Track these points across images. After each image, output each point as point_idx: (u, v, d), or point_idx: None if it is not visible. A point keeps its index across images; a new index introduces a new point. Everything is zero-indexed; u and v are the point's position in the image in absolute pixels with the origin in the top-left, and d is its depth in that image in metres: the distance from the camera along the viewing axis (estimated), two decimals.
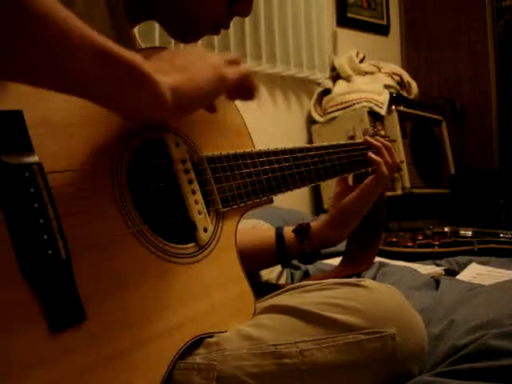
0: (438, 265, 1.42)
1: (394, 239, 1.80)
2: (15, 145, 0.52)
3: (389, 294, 0.73)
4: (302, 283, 0.79)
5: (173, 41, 1.95)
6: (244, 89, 0.69)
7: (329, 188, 2.46)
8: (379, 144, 1.03)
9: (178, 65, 0.59)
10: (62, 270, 0.53)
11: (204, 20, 0.79)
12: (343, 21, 2.95)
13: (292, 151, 0.88)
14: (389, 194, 2.30)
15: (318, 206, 2.64)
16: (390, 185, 2.32)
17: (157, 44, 1.90)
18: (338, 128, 2.46)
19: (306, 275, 1.25)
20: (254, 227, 1.15)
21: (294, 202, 2.34)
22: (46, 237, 0.52)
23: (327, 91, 2.67)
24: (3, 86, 0.53)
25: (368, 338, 0.65)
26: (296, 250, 0.98)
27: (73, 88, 0.49)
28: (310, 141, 2.63)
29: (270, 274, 1.10)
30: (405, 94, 2.72)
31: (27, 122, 0.54)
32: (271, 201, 0.84)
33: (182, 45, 0.84)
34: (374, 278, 1.14)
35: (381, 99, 2.49)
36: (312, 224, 1.00)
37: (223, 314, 0.69)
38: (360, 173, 1.01)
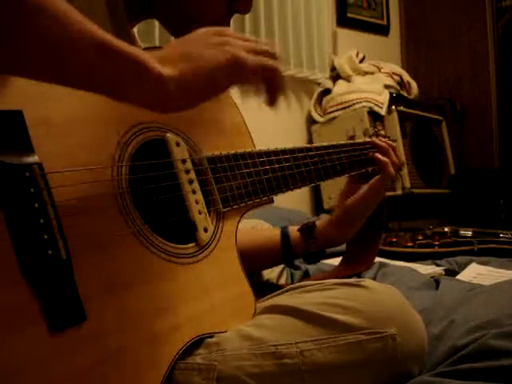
0: (437, 265, 1.42)
1: (394, 239, 1.80)
2: (15, 145, 0.52)
3: (389, 294, 0.73)
4: (302, 283, 0.79)
5: (173, 39, 1.95)
6: (267, 86, 0.63)
7: (329, 188, 2.46)
8: (385, 144, 1.03)
9: (187, 52, 0.56)
10: (62, 270, 0.53)
11: (204, 19, 0.79)
12: (343, 21, 2.95)
13: (292, 151, 0.88)
14: (389, 194, 2.29)
15: (318, 206, 2.64)
16: (390, 185, 2.32)
17: (157, 43, 1.90)
18: (338, 128, 2.46)
19: (306, 275, 1.25)
20: (255, 227, 1.15)
21: (294, 202, 2.34)
22: (46, 237, 0.52)
23: (327, 91, 2.67)
24: (3, 85, 0.53)
25: (368, 338, 0.65)
26: (301, 249, 0.98)
27: (75, 82, 0.49)
28: (310, 141, 2.63)
29: (270, 273, 1.10)
30: (405, 93, 2.72)
31: (27, 121, 0.54)
32: (271, 201, 0.84)
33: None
34: (374, 278, 1.14)
35: (381, 99, 2.49)
36: (317, 223, 1.00)
37: (223, 314, 0.69)
38: (360, 173, 1.01)
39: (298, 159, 0.89)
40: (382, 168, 1.00)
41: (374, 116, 2.45)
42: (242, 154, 0.79)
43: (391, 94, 2.56)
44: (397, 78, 2.70)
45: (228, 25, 0.82)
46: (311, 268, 1.29)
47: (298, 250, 0.98)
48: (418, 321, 0.72)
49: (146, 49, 0.72)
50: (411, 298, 0.81)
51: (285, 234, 0.99)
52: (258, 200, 0.81)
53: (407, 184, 2.42)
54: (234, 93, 0.74)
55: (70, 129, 0.58)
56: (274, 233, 1.00)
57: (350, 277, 1.02)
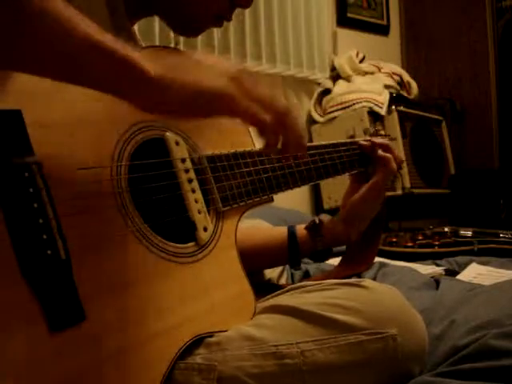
0: (438, 265, 1.42)
1: (394, 239, 1.80)
2: (14, 144, 0.52)
3: (389, 295, 0.73)
4: (303, 283, 0.79)
5: (172, 39, 1.95)
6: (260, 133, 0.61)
7: (329, 188, 2.46)
8: (385, 141, 1.03)
9: (188, 65, 0.57)
10: (61, 270, 0.53)
11: (207, 12, 0.78)
12: (343, 21, 2.95)
13: None
14: (389, 194, 2.29)
15: (317, 206, 2.63)
16: (389, 185, 2.32)
17: (157, 42, 1.90)
18: (338, 128, 2.45)
19: (306, 275, 1.25)
20: (255, 226, 1.15)
21: (294, 201, 2.33)
22: (45, 237, 0.52)
23: (327, 91, 2.67)
24: (2, 85, 0.53)
25: (369, 338, 0.65)
26: (308, 247, 0.98)
27: (72, 79, 0.51)
28: (310, 141, 2.63)
29: (271, 273, 1.10)
30: (405, 94, 2.72)
31: (26, 121, 0.54)
32: (271, 199, 0.84)
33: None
34: (374, 279, 1.14)
35: (381, 99, 2.49)
36: (324, 221, 1.00)
37: (223, 314, 0.69)
38: (360, 171, 1.01)
39: (298, 158, 0.88)
40: (385, 164, 0.99)
41: (374, 116, 2.44)
42: (242, 153, 0.79)
43: (391, 94, 2.56)
44: (397, 78, 2.70)
45: (231, 18, 0.81)
46: (311, 268, 1.29)
47: (305, 248, 0.98)
48: (419, 321, 0.72)
49: (147, 47, 0.72)
50: (411, 298, 0.81)
51: (292, 232, 0.99)
52: (258, 199, 0.81)
53: (407, 184, 2.42)
54: None
55: (69, 128, 0.58)
56: (280, 231, 1.00)
57: (350, 277, 1.02)
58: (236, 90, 0.57)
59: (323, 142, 0.96)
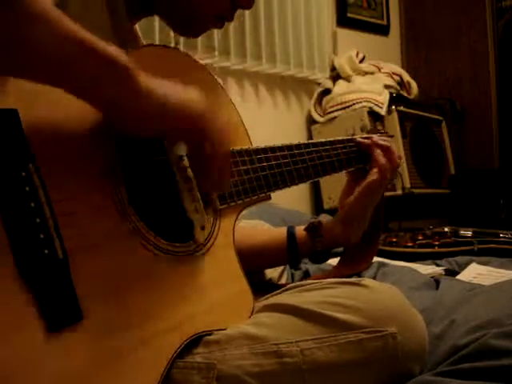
0: (438, 265, 1.42)
1: (394, 239, 1.80)
2: (11, 144, 0.52)
3: (389, 294, 0.73)
4: (303, 282, 0.79)
5: (173, 38, 1.95)
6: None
7: (329, 188, 2.46)
8: (386, 143, 1.01)
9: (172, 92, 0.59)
10: (58, 270, 0.53)
11: (208, 13, 0.78)
12: (343, 21, 2.95)
13: (289, 147, 0.88)
14: (389, 194, 2.29)
15: (317, 206, 2.63)
16: (390, 185, 2.32)
17: (157, 41, 1.90)
18: (338, 128, 2.45)
19: (306, 275, 1.25)
20: (255, 226, 1.15)
21: (293, 201, 2.33)
22: (42, 236, 0.52)
23: (327, 91, 2.67)
24: None
25: (369, 336, 0.65)
26: (307, 248, 0.97)
27: (57, 82, 0.52)
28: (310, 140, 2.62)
29: (272, 272, 1.09)
30: (405, 94, 2.72)
31: (23, 120, 0.53)
32: (269, 197, 0.84)
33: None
34: (373, 278, 1.14)
35: (381, 99, 2.49)
36: (323, 222, 1.00)
37: (222, 312, 0.69)
38: (358, 168, 1.00)
39: (296, 155, 0.88)
40: (380, 168, 0.98)
41: (374, 116, 2.44)
42: (239, 151, 0.79)
43: (391, 94, 2.56)
44: (397, 78, 2.70)
45: (232, 18, 0.81)
46: (311, 268, 1.28)
47: (304, 249, 0.98)
48: (419, 320, 0.72)
49: (148, 46, 0.72)
50: (411, 297, 0.81)
51: (291, 233, 0.99)
52: (256, 197, 0.80)
53: (407, 184, 2.42)
54: (233, 92, 0.74)
55: (67, 127, 0.58)
56: (280, 232, 1.00)
57: (349, 276, 1.01)
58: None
59: (321, 140, 0.95)
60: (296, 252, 0.97)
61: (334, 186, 2.29)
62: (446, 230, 1.84)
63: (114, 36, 0.73)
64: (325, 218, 2.04)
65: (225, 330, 0.67)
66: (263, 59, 2.40)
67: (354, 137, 1.02)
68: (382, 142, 1.01)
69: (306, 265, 1.30)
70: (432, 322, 0.81)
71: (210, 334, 0.66)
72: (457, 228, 1.85)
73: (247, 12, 2.24)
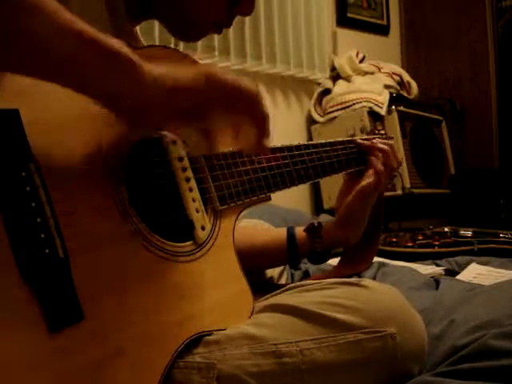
0: (438, 265, 1.42)
1: (394, 239, 1.80)
2: (11, 144, 0.52)
3: (389, 294, 0.73)
4: (303, 282, 0.79)
5: (173, 40, 1.95)
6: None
7: (329, 188, 2.46)
8: (385, 147, 1.01)
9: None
10: (59, 269, 0.53)
11: (205, 19, 0.79)
12: (343, 21, 2.95)
13: (289, 148, 0.88)
14: (389, 194, 2.29)
15: (317, 206, 2.64)
16: (390, 185, 2.32)
17: (157, 42, 1.90)
18: (338, 128, 2.45)
19: (306, 275, 1.25)
20: (256, 226, 1.15)
21: (293, 201, 2.33)
22: (43, 236, 0.52)
23: (327, 91, 2.67)
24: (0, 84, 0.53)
25: (368, 337, 0.65)
26: (307, 249, 0.97)
27: (57, 78, 0.50)
28: (310, 140, 2.62)
29: (272, 272, 1.10)
30: (405, 94, 2.72)
31: (24, 120, 0.53)
32: (269, 198, 0.84)
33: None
34: (373, 278, 1.14)
35: (381, 99, 2.49)
36: (323, 223, 1.00)
37: (222, 312, 0.69)
38: (358, 170, 1.01)
39: (295, 156, 0.88)
40: (373, 173, 0.98)
41: (374, 116, 2.44)
42: (239, 152, 0.79)
43: (391, 94, 2.56)
44: (397, 78, 2.70)
45: (230, 25, 0.81)
46: (311, 268, 1.29)
47: (304, 250, 0.98)
48: (418, 320, 0.72)
49: (149, 46, 0.72)
50: (411, 297, 0.81)
51: (291, 233, 0.99)
52: (256, 198, 0.81)
53: (407, 184, 2.42)
54: None
55: (67, 127, 0.58)
56: (280, 232, 1.00)
57: (349, 276, 1.02)
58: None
59: (321, 141, 0.96)
60: (296, 253, 0.97)
61: (334, 185, 2.28)
62: (446, 229, 1.84)
63: (114, 37, 0.73)
64: (325, 217, 2.04)
65: (225, 330, 0.67)
66: (263, 59, 2.40)
67: (355, 138, 1.02)
68: (379, 145, 1.01)
69: (306, 265, 1.30)
70: (431, 322, 0.81)
71: (210, 334, 0.66)
72: (457, 228, 1.85)
73: None
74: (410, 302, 0.73)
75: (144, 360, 0.58)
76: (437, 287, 1.07)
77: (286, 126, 2.60)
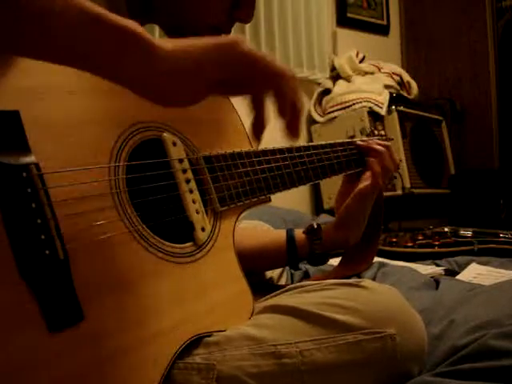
0: (438, 265, 1.42)
1: (394, 239, 1.80)
2: (12, 145, 0.52)
3: (389, 295, 0.73)
4: (302, 283, 0.79)
5: None
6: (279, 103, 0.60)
7: (329, 188, 2.46)
8: (381, 148, 1.01)
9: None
10: (59, 270, 0.53)
11: (204, 25, 0.79)
12: (343, 21, 2.95)
13: (289, 150, 0.88)
14: (389, 194, 2.29)
15: (317, 206, 2.64)
16: (390, 185, 2.32)
17: None
18: (338, 128, 2.45)
19: (306, 276, 1.25)
20: (254, 228, 1.15)
21: (293, 201, 2.33)
22: (43, 237, 0.52)
23: (327, 91, 2.67)
24: (0, 85, 0.53)
25: (368, 338, 0.65)
26: (306, 251, 0.98)
27: (62, 56, 0.49)
28: (310, 141, 2.62)
29: (271, 272, 1.10)
30: (405, 94, 2.72)
31: (24, 121, 0.53)
32: (269, 199, 0.84)
33: None
34: (373, 278, 1.14)
35: (381, 99, 2.49)
36: (323, 225, 1.00)
37: (222, 313, 0.69)
38: (358, 171, 1.01)
39: (295, 158, 0.88)
40: (370, 174, 0.98)
41: (374, 116, 2.44)
42: (239, 153, 0.79)
43: (391, 94, 2.56)
44: (397, 78, 2.70)
45: (229, 31, 0.81)
46: (311, 268, 1.29)
47: (303, 252, 0.98)
48: (418, 321, 0.72)
49: None
50: (411, 298, 0.81)
51: (290, 235, 0.99)
52: (256, 199, 0.81)
53: (407, 184, 2.42)
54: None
55: (67, 128, 0.58)
56: (280, 234, 1.00)
57: (349, 277, 1.02)
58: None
59: (321, 142, 0.96)
60: (295, 254, 0.98)
61: (333, 186, 2.27)
62: (446, 229, 1.84)
63: None
64: (325, 217, 2.04)
65: (225, 331, 0.67)
66: None
67: (355, 139, 1.02)
68: (377, 147, 1.01)
69: (306, 265, 1.30)
70: (431, 322, 0.81)
71: (209, 335, 0.66)
72: (457, 228, 1.85)
73: None
74: (410, 302, 0.73)
75: (144, 360, 0.58)
76: (437, 287, 1.07)
77: None
